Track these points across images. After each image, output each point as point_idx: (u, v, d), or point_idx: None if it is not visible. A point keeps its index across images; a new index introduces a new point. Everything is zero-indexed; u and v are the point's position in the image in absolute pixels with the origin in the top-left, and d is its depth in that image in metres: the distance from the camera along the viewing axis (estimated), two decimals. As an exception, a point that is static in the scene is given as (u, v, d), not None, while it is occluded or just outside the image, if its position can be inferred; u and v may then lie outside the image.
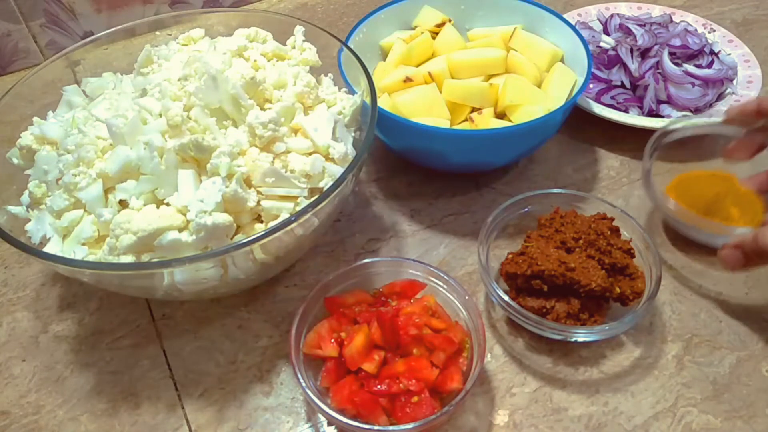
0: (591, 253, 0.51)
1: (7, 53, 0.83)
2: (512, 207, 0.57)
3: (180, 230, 0.46)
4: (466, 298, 0.49)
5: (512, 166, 0.69)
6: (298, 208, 0.48)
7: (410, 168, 0.69)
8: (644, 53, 0.75)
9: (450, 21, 0.71)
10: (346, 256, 0.61)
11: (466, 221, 0.64)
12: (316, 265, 0.60)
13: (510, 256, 0.53)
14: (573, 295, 0.50)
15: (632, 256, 0.53)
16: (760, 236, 0.48)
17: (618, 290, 0.51)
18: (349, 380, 0.46)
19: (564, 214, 0.55)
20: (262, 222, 0.49)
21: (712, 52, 0.75)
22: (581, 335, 0.49)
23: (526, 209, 0.57)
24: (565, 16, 0.73)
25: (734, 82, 0.73)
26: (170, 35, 0.65)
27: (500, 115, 0.64)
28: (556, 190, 0.58)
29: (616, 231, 0.54)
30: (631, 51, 0.74)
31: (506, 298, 0.50)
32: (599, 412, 0.49)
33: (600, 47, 0.77)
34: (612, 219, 0.54)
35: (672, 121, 0.64)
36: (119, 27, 0.63)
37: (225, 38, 0.60)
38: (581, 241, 0.52)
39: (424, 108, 0.61)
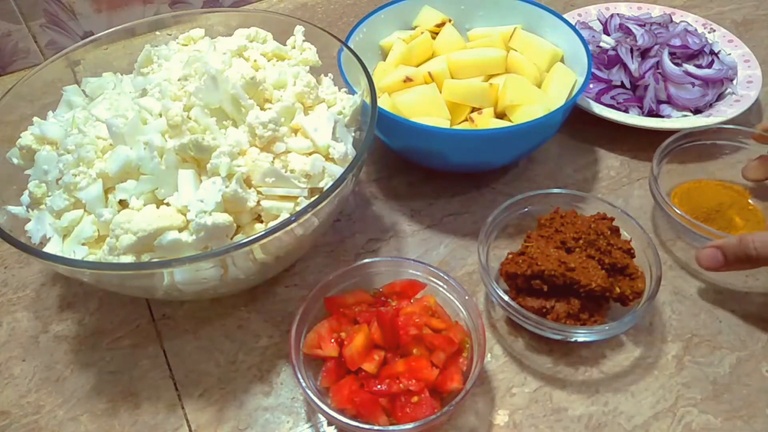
0: (591, 253, 0.51)
1: (7, 53, 0.83)
2: (512, 207, 0.56)
3: (180, 230, 0.46)
4: (466, 298, 0.49)
5: (512, 166, 0.69)
6: (298, 208, 0.48)
7: (410, 168, 0.69)
8: (644, 53, 0.74)
9: (450, 21, 0.71)
10: (346, 256, 0.61)
11: (466, 221, 0.64)
12: (316, 265, 0.60)
13: (510, 256, 0.53)
14: (573, 295, 0.50)
15: (632, 256, 0.53)
16: (744, 241, 0.48)
17: (618, 290, 0.50)
18: (349, 380, 0.46)
19: (564, 214, 0.55)
20: (262, 222, 0.49)
21: (712, 52, 0.75)
22: (581, 335, 0.49)
23: (526, 209, 0.57)
24: (565, 16, 0.73)
25: (734, 82, 0.73)
26: (170, 35, 0.65)
27: (500, 115, 0.64)
28: (556, 190, 0.58)
29: (616, 231, 0.54)
30: (631, 51, 0.74)
31: (506, 298, 0.50)
32: (599, 412, 0.49)
33: (600, 47, 0.77)
34: (612, 219, 0.54)
35: (700, 125, 0.65)
36: (119, 27, 0.63)
37: (225, 38, 0.60)
38: (581, 241, 0.52)
39: (424, 108, 0.61)
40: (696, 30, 0.78)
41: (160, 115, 0.50)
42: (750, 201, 0.62)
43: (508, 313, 0.51)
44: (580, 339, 0.50)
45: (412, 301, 0.51)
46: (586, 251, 0.51)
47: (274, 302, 0.57)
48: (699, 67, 0.73)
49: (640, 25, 0.77)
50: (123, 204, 0.48)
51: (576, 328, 0.49)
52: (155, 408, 0.50)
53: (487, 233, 0.54)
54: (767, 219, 0.60)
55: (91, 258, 0.47)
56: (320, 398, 0.45)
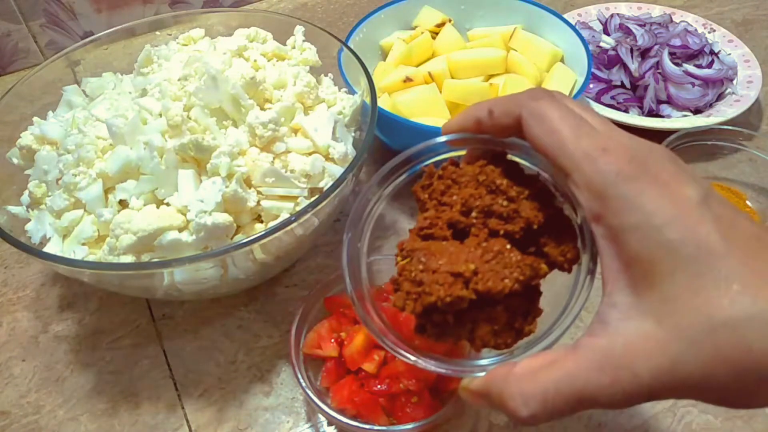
0: (492, 226, 0.34)
1: (7, 53, 0.83)
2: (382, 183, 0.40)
3: (180, 230, 0.46)
4: (466, 298, 0.49)
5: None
6: (298, 208, 0.48)
7: (410, 168, 0.69)
8: (644, 53, 0.75)
9: (450, 21, 0.71)
10: (346, 256, 0.61)
11: (466, 221, 0.64)
12: (316, 265, 0.60)
13: (392, 289, 0.35)
14: (491, 305, 0.33)
15: (548, 198, 0.35)
16: (506, 400, 0.30)
17: (545, 269, 0.34)
18: (349, 380, 0.46)
19: (441, 173, 0.37)
20: (262, 222, 0.49)
21: (712, 52, 0.75)
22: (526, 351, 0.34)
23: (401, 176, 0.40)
24: (565, 16, 0.73)
25: (734, 82, 0.73)
26: (170, 35, 0.65)
27: (500, 115, 0.64)
28: (415, 147, 0.39)
29: (514, 171, 0.35)
30: (631, 51, 0.74)
31: (404, 357, 0.34)
32: (599, 412, 0.49)
33: (600, 47, 0.77)
34: (503, 156, 0.36)
35: (700, 125, 0.64)
36: (119, 27, 0.63)
37: (225, 38, 0.60)
38: (474, 213, 0.34)
39: (424, 108, 0.61)
40: (696, 30, 0.78)
41: (160, 115, 0.50)
42: (747, 203, 0.62)
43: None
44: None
45: (412, 301, 0.51)
46: (485, 228, 0.34)
47: (274, 302, 0.57)
48: (699, 67, 0.73)
49: (640, 25, 0.77)
50: (123, 204, 0.48)
51: (518, 346, 0.34)
52: (155, 408, 0.50)
53: (350, 259, 0.37)
54: (764, 221, 0.60)
55: (91, 258, 0.47)
56: (320, 398, 0.44)
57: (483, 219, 0.35)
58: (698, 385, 0.26)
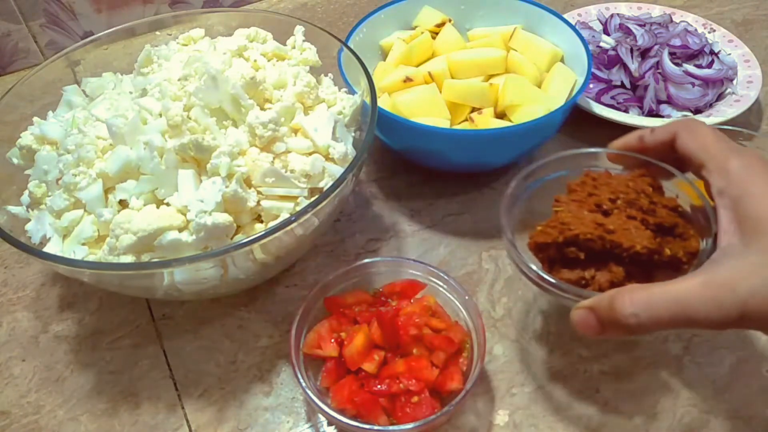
0: (632, 213, 0.43)
1: (7, 53, 0.83)
2: (535, 174, 0.49)
3: (180, 230, 0.46)
4: (466, 298, 0.49)
5: (512, 166, 0.69)
6: (298, 208, 0.48)
7: (410, 168, 0.69)
8: (644, 53, 0.74)
9: (450, 21, 0.71)
10: (346, 256, 0.61)
11: (466, 221, 0.64)
12: (316, 265, 0.60)
13: (539, 228, 0.45)
14: (615, 261, 0.42)
15: (680, 214, 0.45)
16: (617, 302, 0.37)
17: (668, 252, 0.42)
18: (349, 380, 0.46)
19: (596, 176, 0.46)
20: (262, 222, 0.49)
21: (712, 52, 0.75)
22: None
23: (548, 177, 0.50)
24: (565, 16, 0.73)
25: (734, 82, 0.73)
26: (170, 35, 0.65)
27: (500, 115, 0.64)
28: (581, 150, 0.50)
29: (659, 188, 0.46)
30: (631, 51, 0.74)
31: (538, 271, 0.43)
32: (599, 412, 0.49)
33: (600, 47, 0.77)
34: (654, 175, 0.46)
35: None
36: (119, 27, 0.63)
37: (225, 38, 0.60)
38: (619, 202, 0.44)
39: (424, 108, 0.61)
40: (696, 30, 0.78)
41: (160, 115, 0.50)
42: None
43: (542, 289, 0.44)
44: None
45: (412, 301, 0.51)
46: (626, 212, 0.43)
47: (274, 302, 0.57)
48: (699, 67, 0.73)
49: (640, 25, 0.77)
50: (123, 204, 0.48)
51: None
52: (155, 408, 0.50)
53: (510, 204, 0.47)
54: None
55: (91, 258, 0.47)
56: (320, 398, 0.45)
57: (625, 207, 0.43)
58: None
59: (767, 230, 0.35)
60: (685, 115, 0.70)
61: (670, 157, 0.45)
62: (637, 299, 0.36)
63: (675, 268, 0.43)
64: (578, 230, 0.42)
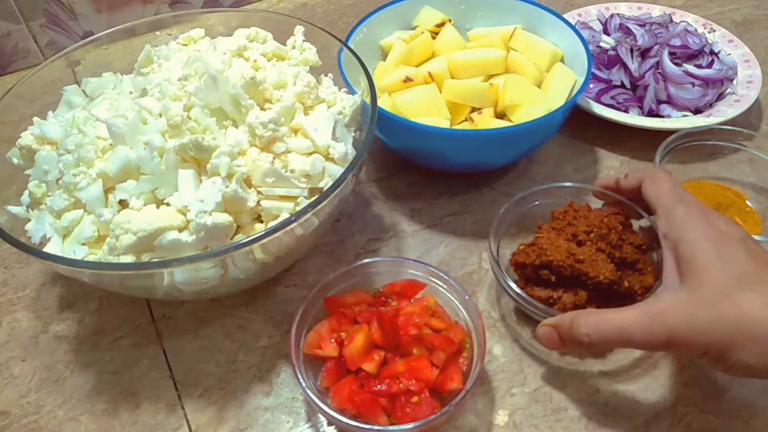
0: (602, 246, 0.51)
1: (7, 53, 0.83)
2: (524, 200, 0.56)
3: (180, 230, 0.46)
4: (466, 298, 0.49)
5: (512, 166, 0.69)
6: (298, 208, 0.48)
7: (410, 168, 0.69)
8: (644, 53, 0.74)
9: (450, 21, 0.71)
10: (346, 256, 0.61)
11: (466, 221, 0.64)
12: (316, 265, 0.60)
13: (521, 247, 0.53)
14: (581, 286, 0.50)
15: (643, 251, 0.52)
16: (575, 323, 0.44)
17: (626, 284, 0.50)
18: (349, 380, 0.46)
19: (578, 207, 0.54)
20: (262, 222, 0.49)
21: (712, 52, 0.75)
22: None
23: (537, 202, 0.57)
24: (565, 16, 0.73)
25: (734, 82, 0.73)
26: (170, 35, 0.65)
27: (500, 115, 0.64)
28: (569, 183, 0.58)
29: (629, 227, 0.53)
30: (631, 51, 0.74)
31: (515, 287, 0.50)
32: (599, 412, 0.49)
33: (600, 47, 0.77)
34: (626, 214, 0.54)
35: (700, 125, 0.64)
36: (119, 27, 0.62)
37: (225, 38, 0.60)
38: (593, 235, 0.51)
39: (424, 108, 0.61)
40: (696, 30, 0.78)
41: (160, 115, 0.50)
42: (747, 203, 0.62)
43: (516, 303, 0.51)
44: None
45: (412, 301, 0.51)
46: (596, 245, 0.51)
47: (274, 302, 0.57)
48: (699, 67, 0.73)
49: (640, 25, 0.77)
50: (123, 204, 0.48)
51: None
52: (155, 408, 0.50)
53: (498, 226, 0.54)
54: (764, 222, 0.60)
55: (91, 258, 0.47)
56: (320, 398, 0.45)
57: (596, 240, 0.51)
58: (703, 334, 0.39)
59: (695, 271, 0.41)
60: (685, 115, 0.70)
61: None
62: (591, 322, 0.43)
63: (631, 297, 0.50)
64: (553, 257, 0.49)
